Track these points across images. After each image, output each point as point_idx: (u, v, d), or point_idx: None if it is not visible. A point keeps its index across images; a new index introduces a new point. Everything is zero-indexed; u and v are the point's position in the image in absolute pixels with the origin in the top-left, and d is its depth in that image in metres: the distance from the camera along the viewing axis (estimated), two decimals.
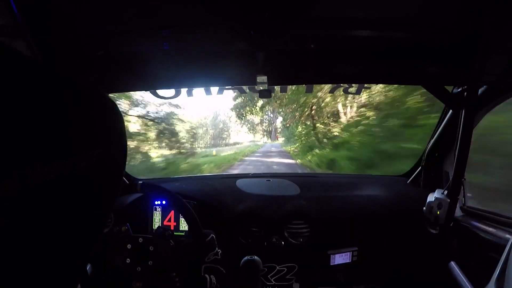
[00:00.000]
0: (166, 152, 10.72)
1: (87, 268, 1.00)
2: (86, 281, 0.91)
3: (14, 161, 0.19)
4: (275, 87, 0.99)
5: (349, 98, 9.66)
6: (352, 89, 0.99)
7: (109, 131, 0.32)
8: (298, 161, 11.36)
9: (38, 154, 0.21)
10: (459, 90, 1.01)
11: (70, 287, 0.27)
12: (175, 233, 1.18)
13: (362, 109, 8.96)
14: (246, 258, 1.02)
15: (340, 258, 1.18)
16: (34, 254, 0.21)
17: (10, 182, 0.19)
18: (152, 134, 9.75)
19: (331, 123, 11.10)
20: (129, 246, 0.90)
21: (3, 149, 0.19)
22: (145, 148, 9.05)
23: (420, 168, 1.35)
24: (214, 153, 18.29)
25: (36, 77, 0.23)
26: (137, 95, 8.87)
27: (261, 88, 0.88)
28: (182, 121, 12.31)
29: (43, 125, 0.22)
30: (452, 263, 1.07)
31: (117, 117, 0.33)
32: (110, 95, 1.21)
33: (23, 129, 0.20)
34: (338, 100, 10.22)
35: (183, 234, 1.17)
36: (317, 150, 10.72)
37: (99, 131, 0.30)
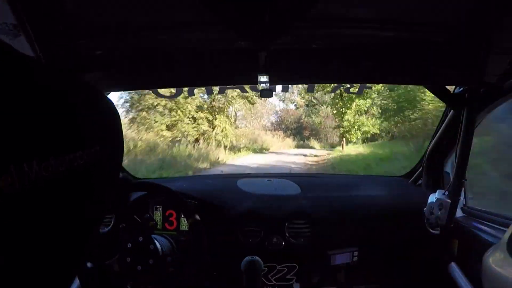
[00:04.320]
0: None
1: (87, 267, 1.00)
2: (87, 280, 0.91)
3: (11, 156, 0.19)
4: (276, 86, 0.99)
5: None
6: (354, 89, 0.99)
7: (106, 129, 0.32)
8: None
9: (35, 150, 0.21)
10: (460, 90, 1.00)
11: (65, 285, 0.27)
12: (175, 232, 1.18)
13: None
14: (247, 258, 1.02)
15: (341, 258, 1.18)
16: (29, 250, 0.22)
17: (7, 178, 0.19)
18: None
19: None
20: (129, 245, 0.90)
21: (0, 144, 0.19)
22: None
23: (421, 168, 1.35)
24: None
25: (35, 75, 0.23)
26: None
27: (263, 87, 0.88)
28: None
29: (41, 121, 0.22)
30: (453, 264, 1.07)
31: (114, 116, 0.33)
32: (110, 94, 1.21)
33: (20, 125, 0.20)
34: None
35: (180, 233, 1.17)
36: None
37: (97, 129, 0.30)
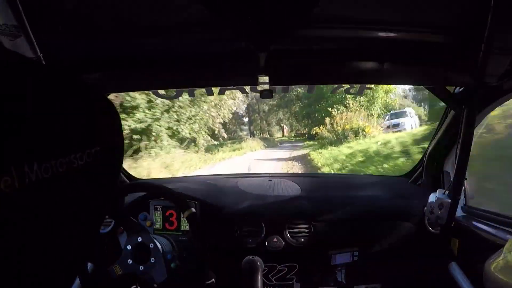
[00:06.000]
0: None
1: (88, 268, 1.00)
2: (87, 280, 0.91)
3: (12, 157, 0.19)
4: (276, 87, 0.99)
5: None
6: (354, 90, 0.99)
7: (106, 130, 0.32)
8: None
9: (36, 151, 0.22)
10: (460, 90, 1.00)
11: (66, 285, 0.27)
12: (175, 233, 1.18)
13: None
14: (247, 258, 1.02)
15: (341, 258, 1.18)
16: (29, 250, 0.22)
17: (8, 179, 0.19)
18: None
19: None
20: (129, 247, 0.90)
21: (0, 145, 0.19)
22: None
23: (421, 168, 1.35)
24: None
25: (36, 76, 0.24)
26: None
27: (263, 88, 0.88)
28: None
29: (41, 123, 0.23)
30: (453, 264, 1.07)
31: (114, 117, 0.33)
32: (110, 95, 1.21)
33: (20, 127, 0.20)
34: None
35: (181, 233, 1.17)
36: None
37: (97, 130, 0.30)
